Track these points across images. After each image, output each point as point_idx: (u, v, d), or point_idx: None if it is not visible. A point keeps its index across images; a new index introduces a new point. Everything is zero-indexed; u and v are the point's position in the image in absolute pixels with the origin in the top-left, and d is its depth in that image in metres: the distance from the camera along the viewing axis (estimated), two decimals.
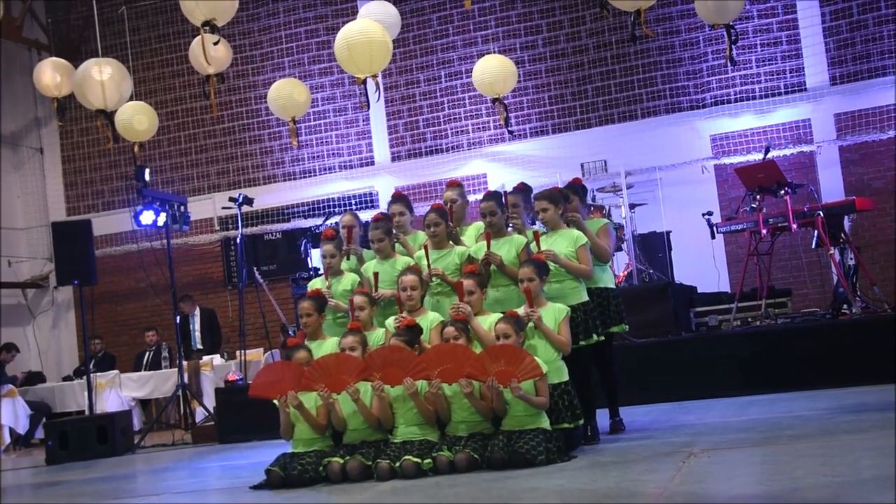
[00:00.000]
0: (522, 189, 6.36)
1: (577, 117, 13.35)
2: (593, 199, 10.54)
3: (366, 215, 7.78)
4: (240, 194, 10.87)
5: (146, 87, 14.70)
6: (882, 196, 11.63)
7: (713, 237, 9.50)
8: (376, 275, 6.26)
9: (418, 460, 5.18)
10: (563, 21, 13.46)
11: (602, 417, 6.26)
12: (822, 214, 8.46)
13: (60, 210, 15.61)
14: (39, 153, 15.86)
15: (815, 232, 8.62)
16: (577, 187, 6.49)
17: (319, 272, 9.45)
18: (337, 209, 13.37)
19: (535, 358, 5.35)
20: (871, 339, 7.64)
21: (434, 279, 6.08)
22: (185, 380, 10.71)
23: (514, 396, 5.25)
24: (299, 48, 14.60)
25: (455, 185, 6.72)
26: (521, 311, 5.59)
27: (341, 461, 5.40)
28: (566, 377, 5.61)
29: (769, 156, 9.54)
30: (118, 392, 11.89)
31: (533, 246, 5.97)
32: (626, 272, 10.43)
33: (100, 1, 13.35)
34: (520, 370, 5.22)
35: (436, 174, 13.52)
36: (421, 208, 9.77)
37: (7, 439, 11.83)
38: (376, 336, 5.96)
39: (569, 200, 6.22)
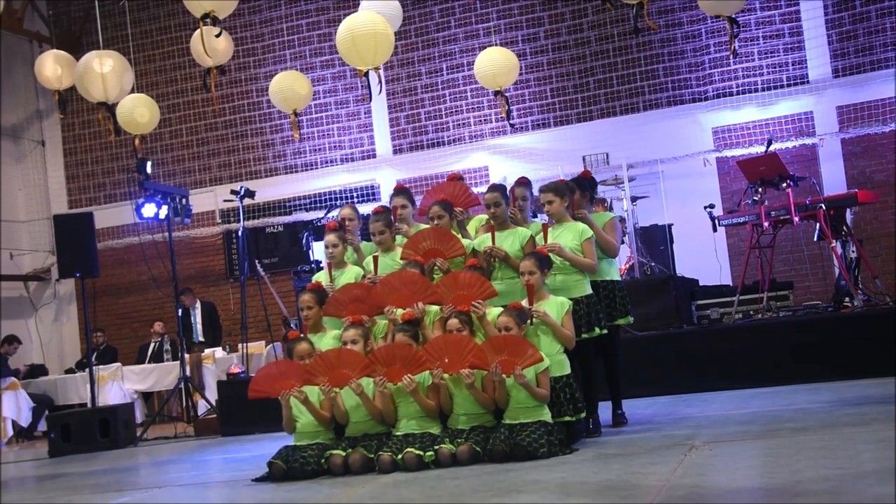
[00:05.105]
0: (524, 182, 6.36)
1: (578, 110, 13.32)
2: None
3: (367, 208, 7.78)
4: (241, 187, 10.86)
5: (147, 80, 14.70)
6: (884, 189, 11.62)
7: (715, 230, 9.49)
8: (375, 258, 6.26)
9: (420, 453, 5.19)
10: (564, 13, 13.43)
11: (604, 410, 6.26)
12: (824, 207, 8.45)
13: (62, 203, 15.62)
14: (41, 146, 15.86)
15: (817, 225, 8.60)
16: (585, 181, 6.47)
17: (321, 265, 9.45)
18: (339, 202, 13.35)
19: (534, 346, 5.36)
20: (872, 332, 7.64)
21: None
22: (187, 373, 10.72)
23: (518, 384, 5.25)
24: (301, 40, 14.58)
25: (456, 178, 6.72)
26: (524, 303, 5.59)
27: (343, 454, 5.41)
28: (568, 370, 5.61)
29: (771, 148, 9.53)
30: (120, 385, 11.92)
31: (539, 238, 5.97)
32: (627, 265, 10.43)
33: None
34: (522, 359, 5.23)
35: (437, 167, 13.49)
36: None
37: (10, 432, 11.87)
38: (378, 328, 5.96)
39: (573, 193, 6.21)
